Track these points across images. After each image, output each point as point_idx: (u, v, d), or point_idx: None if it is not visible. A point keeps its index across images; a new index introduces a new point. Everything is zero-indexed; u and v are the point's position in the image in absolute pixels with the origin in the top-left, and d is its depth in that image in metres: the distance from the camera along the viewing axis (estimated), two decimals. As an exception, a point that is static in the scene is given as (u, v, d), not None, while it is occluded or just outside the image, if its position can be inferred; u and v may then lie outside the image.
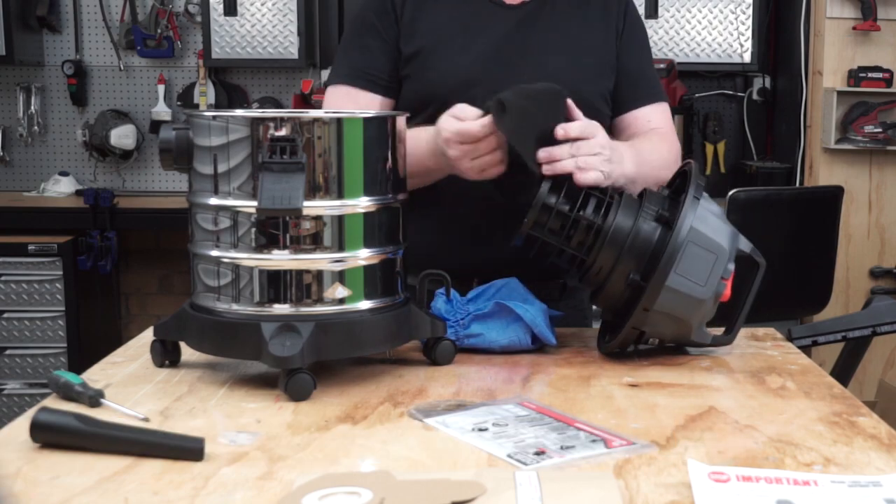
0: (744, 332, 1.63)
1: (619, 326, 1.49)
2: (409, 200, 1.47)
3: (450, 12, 1.75)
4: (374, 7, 1.77)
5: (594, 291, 1.54)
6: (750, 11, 4.08)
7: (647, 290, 1.42)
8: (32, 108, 4.39)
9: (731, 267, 1.46)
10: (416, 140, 1.54)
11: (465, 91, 1.60)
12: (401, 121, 1.43)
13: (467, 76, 1.68)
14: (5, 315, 3.89)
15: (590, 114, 1.55)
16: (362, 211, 1.37)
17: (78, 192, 4.23)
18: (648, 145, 1.70)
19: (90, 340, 4.00)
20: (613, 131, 1.78)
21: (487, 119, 1.44)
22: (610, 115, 1.79)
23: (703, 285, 1.43)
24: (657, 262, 1.42)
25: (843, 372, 2.90)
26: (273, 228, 1.33)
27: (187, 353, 1.46)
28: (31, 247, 3.85)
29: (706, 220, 1.44)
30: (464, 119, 1.48)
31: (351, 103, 1.74)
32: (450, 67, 1.70)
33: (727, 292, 1.47)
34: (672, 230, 1.42)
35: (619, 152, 1.54)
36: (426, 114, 1.63)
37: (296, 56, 4.10)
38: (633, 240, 1.45)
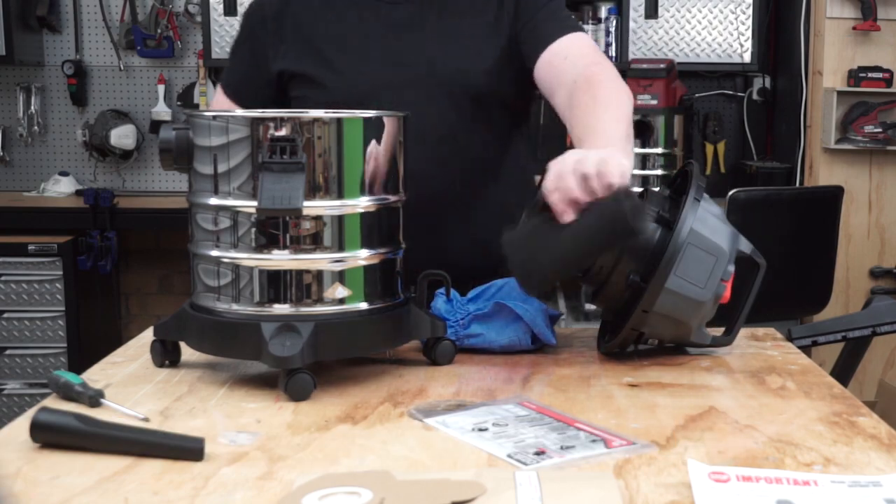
0: (744, 332, 1.63)
1: (618, 326, 1.49)
2: None
3: (336, 20, 1.74)
4: (253, 22, 1.79)
5: (594, 291, 1.54)
6: (750, 11, 4.08)
7: (647, 291, 1.42)
8: (32, 108, 4.39)
9: (731, 269, 1.46)
10: None
11: (372, 97, 1.60)
12: (401, 121, 1.43)
13: (371, 83, 1.69)
14: (5, 315, 3.89)
15: (492, 112, 1.70)
16: (362, 211, 1.37)
17: (78, 192, 4.23)
18: (599, 111, 1.52)
19: (90, 340, 3.99)
20: (538, 86, 1.71)
21: None
22: (517, 111, 1.81)
23: (702, 287, 1.43)
24: (657, 263, 1.42)
25: (843, 372, 2.90)
26: (273, 228, 1.33)
27: (187, 353, 1.46)
28: (31, 247, 3.84)
29: (706, 221, 1.44)
30: None
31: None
32: (354, 77, 1.70)
33: (727, 294, 1.47)
34: (672, 231, 1.42)
35: (603, 152, 1.36)
36: None
37: (296, 56, 4.09)
38: (633, 240, 1.45)
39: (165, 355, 1.46)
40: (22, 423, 1.17)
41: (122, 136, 4.29)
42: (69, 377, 1.31)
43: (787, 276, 3.14)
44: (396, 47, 1.72)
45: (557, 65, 1.66)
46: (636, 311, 1.43)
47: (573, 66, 1.64)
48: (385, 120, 1.40)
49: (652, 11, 4.04)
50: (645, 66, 3.89)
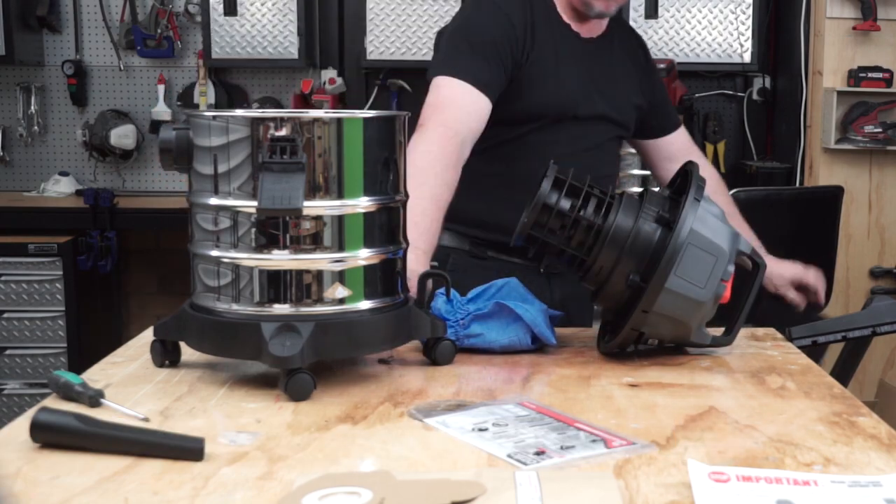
0: (744, 332, 1.63)
1: (619, 326, 1.49)
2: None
3: (550, 44, 1.98)
4: (504, 34, 1.94)
5: (594, 291, 1.54)
6: (750, 11, 4.07)
7: (647, 291, 1.42)
8: (32, 108, 4.39)
9: (731, 269, 1.46)
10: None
11: (566, 112, 1.96)
12: (401, 121, 1.43)
13: (567, 101, 1.97)
14: (5, 315, 3.89)
15: (623, 133, 2.08)
16: (362, 211, 1.37)
17: (78, 192, 4.23)
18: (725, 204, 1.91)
19: (90, 340, 3.99)
20: (652, 150, 2.20)
21: None
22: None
23: (702, 287, 1.43)
24: (657, 263, 1.42)
25: (843, 372, 2.89)
26: (273, 228, 1.33)
27: (187, 353, 1.46)
28: (31, 247, 3.84)
29: (706, 221, 1.44)
30: None
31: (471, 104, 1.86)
32: (553, 93, 1.96)
33: (727, 294, 1.47)
34: (672, 231, 1.42)
35: None
36: (528, 127, 1.95)
37: (296, 56, 4.09)
38: (633, 240, 1.45)
39: (165, 355, 1.46)
40: (22, 423, 1.17)
41: (122, 136, 4.29)
42: (69, 377, 1.31)
43: (787, 276, 3.13)
44: (588, 76, 2.00)
45: (683, 145, 2.20)
46: (636, 311, 1.44)
47: (697, 158, 2.09)
48: (385, 120, 1.40)
49: (652, 11, 4.04)
50: (645, 66, 3.89)
